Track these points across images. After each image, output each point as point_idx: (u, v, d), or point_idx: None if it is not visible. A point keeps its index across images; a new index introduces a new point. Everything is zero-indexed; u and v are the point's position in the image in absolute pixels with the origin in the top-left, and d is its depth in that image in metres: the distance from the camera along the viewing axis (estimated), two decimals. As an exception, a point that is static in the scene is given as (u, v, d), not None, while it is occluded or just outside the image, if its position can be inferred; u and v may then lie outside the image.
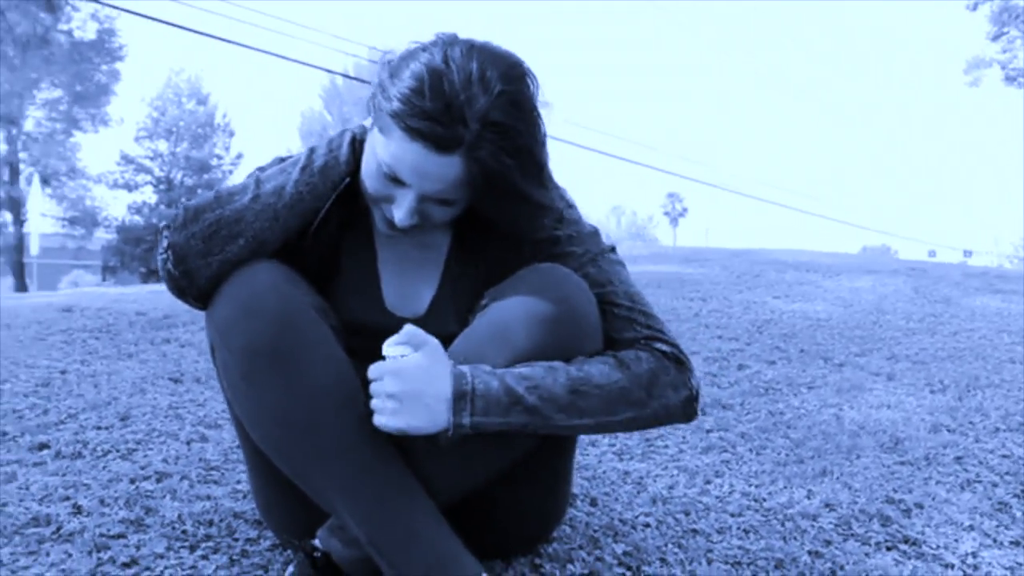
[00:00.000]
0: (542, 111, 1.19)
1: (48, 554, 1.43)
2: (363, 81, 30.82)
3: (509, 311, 1.20)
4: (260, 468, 1.37)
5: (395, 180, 1.18)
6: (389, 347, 1.14)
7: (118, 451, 1.99)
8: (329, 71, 31.34)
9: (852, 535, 1.61)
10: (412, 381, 1.11)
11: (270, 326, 1.14)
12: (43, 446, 2.01)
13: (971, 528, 1.67)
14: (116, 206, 33.51)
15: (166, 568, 1.40)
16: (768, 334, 3.86)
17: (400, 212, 1.20)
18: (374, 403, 1.13)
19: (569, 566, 1.42)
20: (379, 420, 1.12)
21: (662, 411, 1.23)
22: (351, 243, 1.37)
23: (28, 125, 28.71)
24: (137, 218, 33.85)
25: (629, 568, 1.43)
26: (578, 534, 1.56)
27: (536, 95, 1.19)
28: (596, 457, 2.04)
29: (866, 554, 1.52)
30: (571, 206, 1.38)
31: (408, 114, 1.11)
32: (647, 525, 1.61)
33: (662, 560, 1.46)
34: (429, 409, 1.11)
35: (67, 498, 1.68)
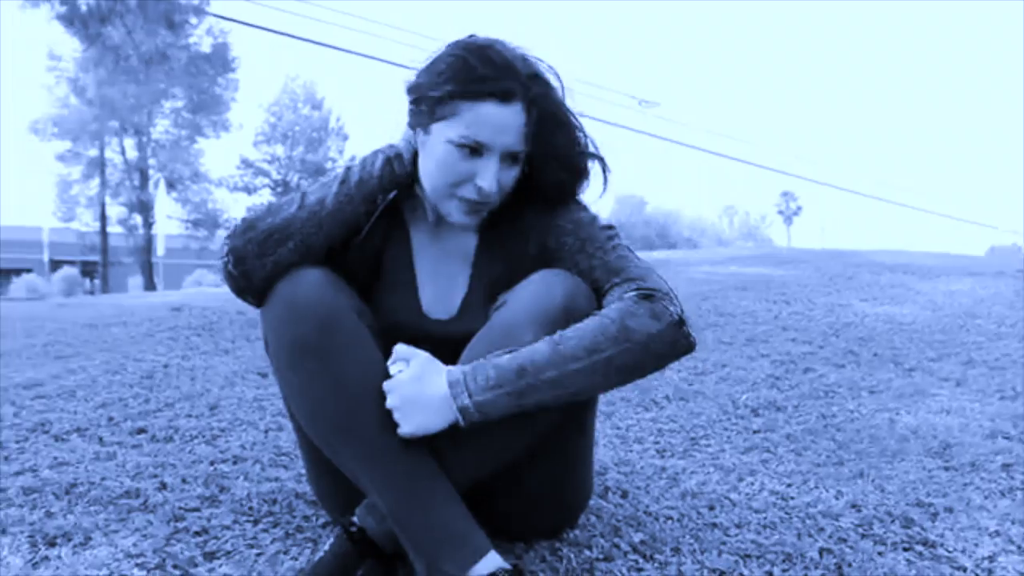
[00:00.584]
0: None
1: (134, 522, 1.64)
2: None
3: (516, 314, 1.34)
4: (312, 454, 1.54)
5: (474, 151, 1.36)
6: (390, 366, 1.31)
7: (204, 437, 2.22)
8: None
9: (870, 535, 1.67)
10: (408, 391, 1.28)
11: (313, 327, 1.31)
12: (141, 431, 2.27)
13: (996, 534, 1.70)
14: (236, 208, 35.13)
15: (231, 538, 1.59)
16: (844, 337, 3.85)
17: (486, 180, 1.36)
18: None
19: (586, 551, 1.54)
20: (398, 430, 1.29)
21: (651, 341, 1.29)
22: (391, 252, 1.54)
23: (156, 133, 30.50)
24: (256, 219, 35.26)
25: (643, 556, 1.53)
26: (602, 523, 1.68)
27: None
28: (638, 454, 2.15)
29: (879, 553, 1.58)
30: (584, 208, 1.51)
31: (468, 81, 1.33)
32: (670, 518, 1.72)
33: (675, 550, 1.56)
34: (430, 408, 1.27)
35: (155, 476, 1.90)
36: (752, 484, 1.93)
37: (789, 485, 1.93)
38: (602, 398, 2.66)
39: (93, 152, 29.03)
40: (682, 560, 1.52)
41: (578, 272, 1.41)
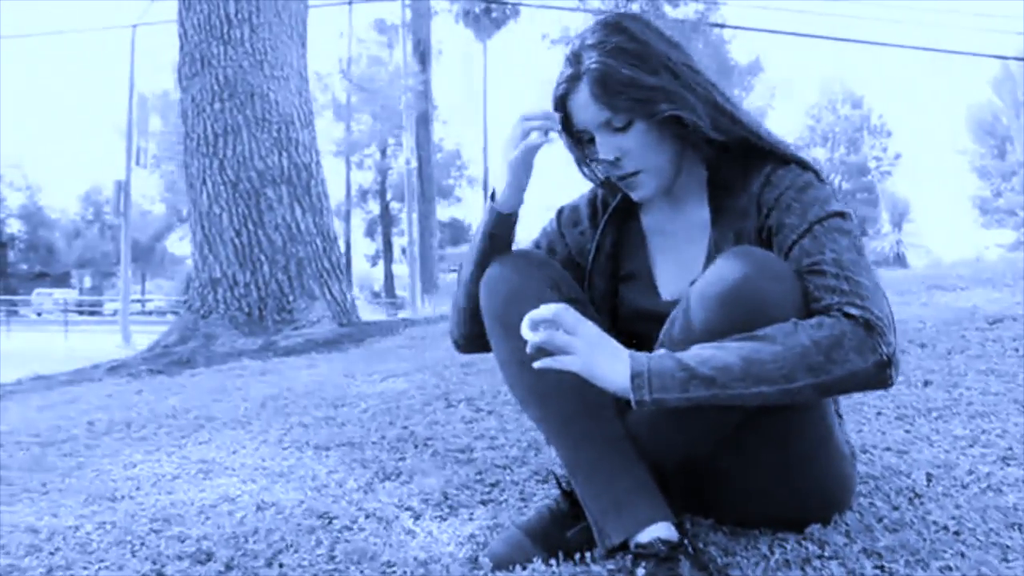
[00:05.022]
0: None
1: (448, 469, 1.98)
2: (1038, 58, 27.23)
3: (692, 295, 1.33)
4: None
5: (590, 140, 1.50)
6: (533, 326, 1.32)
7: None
8: (999, 57, 28.44)
9: None
10: (585, 366, 1.29)
11: (501, 300, 1.47)
12: (514, 403, 2.62)
13: None
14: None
15: (512, 491, 1.83)
16: None
17: (600, 155, 1.49)
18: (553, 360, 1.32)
19: (811, 545, 1.44)
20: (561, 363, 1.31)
21: (849, 377, 1.22)
22: (626, 246, 1.63)
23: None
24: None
25: (873, 560, 1.39)
26: (860, 523, 1.53)
27: (635, 24, 1.46)
28: (977, 460, 1.85)
29: None
30: (812, 171, 1.45)
31: (557, 83, 1.49)
32: (945, 528, 1.50)
33: (917, 561, 1.38)
34: (603, 381, 1.29)
35: (493, 438, 2.24)
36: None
37: None
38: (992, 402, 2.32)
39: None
40: (914, 573, 1.34)
41: (804, 259, 1.33)
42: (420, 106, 15.56)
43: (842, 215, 1.38)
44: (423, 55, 16.19)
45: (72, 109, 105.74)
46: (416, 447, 2.20)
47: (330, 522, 1.69)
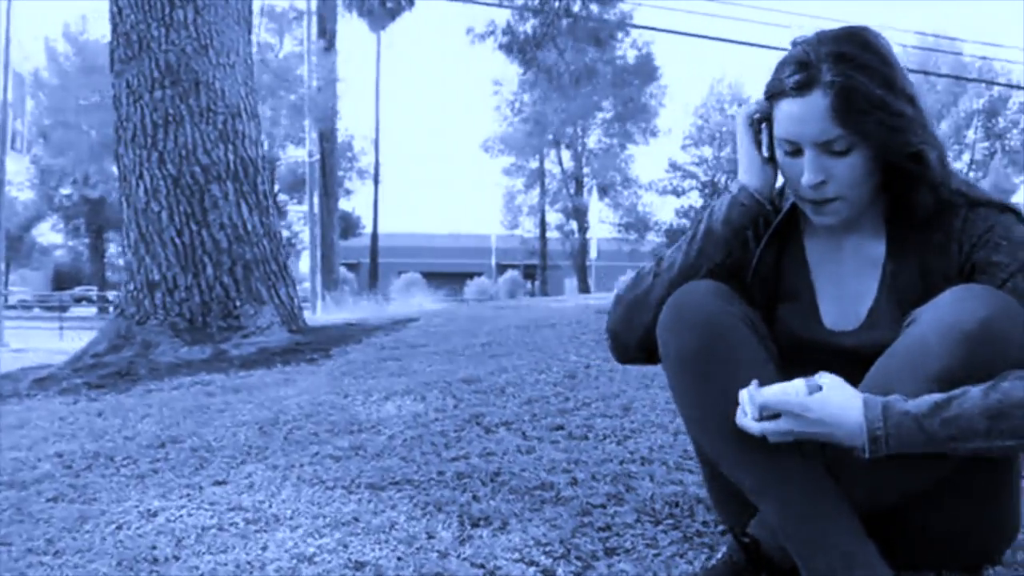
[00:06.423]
0: None
1: (545, 512, 1.78)
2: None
3: (925, 333, 1.22)
4: (705, 460, 1.54)
5: (792, 152, 1.33)
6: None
7: (615, 437, 2.32)
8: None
9: None
10: (815, 429, 1.20)
11: (696, 336, 1.32)
12: (559, 427, 2.44)
13: None
14: (665, 211, 36.28)
15: (631, 536, 1.65)
16: None
17: (805, 175, 1.32)
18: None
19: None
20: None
21: None
22: (788, 266, 1.50)
23: (590, 143, 32.74)
24: (684, 221, 36.14)
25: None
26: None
27: (881, 42, 1.31)
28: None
29: None
30: (1011, 211, 1.35)
31: (774, 82, 1.34)
32: None
33: None
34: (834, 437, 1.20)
35: (568, 471, 2.04)
36: None
37: None
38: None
39: (534, 164, 32.17)
40: None
41: (1015, 296, 1.24)
42: (329, 97, 15.04)
43: None
44: (330, 43, 15.65)
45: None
46: (484, 483, 1.98)
47: (455, 587, 1.46)
